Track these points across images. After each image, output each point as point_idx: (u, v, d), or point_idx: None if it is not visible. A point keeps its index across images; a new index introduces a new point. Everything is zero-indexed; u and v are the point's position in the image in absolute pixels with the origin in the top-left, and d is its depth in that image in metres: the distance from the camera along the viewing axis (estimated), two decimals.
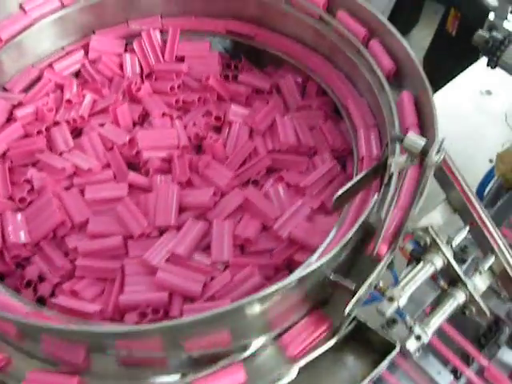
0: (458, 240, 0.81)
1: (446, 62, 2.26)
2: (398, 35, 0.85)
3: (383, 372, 0.80)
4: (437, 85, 1.84)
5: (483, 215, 0.81)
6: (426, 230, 0.77)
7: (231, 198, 0.85)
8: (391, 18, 2.91)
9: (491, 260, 0.81)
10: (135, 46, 1.07)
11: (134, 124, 0.99)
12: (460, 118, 1.57)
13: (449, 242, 0.80)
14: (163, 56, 1.06)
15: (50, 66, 1.06)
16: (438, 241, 0.76)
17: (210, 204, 0.85)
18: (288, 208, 0.83)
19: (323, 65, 1.00)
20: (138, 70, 1.06)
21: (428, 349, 0.85)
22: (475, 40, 0.93)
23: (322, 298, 0.57)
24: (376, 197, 0.50)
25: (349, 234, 0.51)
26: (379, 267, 0.52)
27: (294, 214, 0.81)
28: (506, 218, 1.06)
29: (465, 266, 0.87)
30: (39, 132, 0.97)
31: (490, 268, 0.83)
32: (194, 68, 1.06)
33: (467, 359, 0.90)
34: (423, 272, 0.75)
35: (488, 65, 0.93)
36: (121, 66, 1.07)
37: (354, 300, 0.49)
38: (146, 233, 0.81)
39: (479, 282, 0.82)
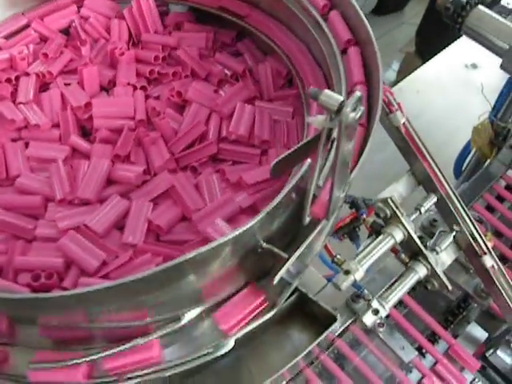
0: (426, 206, 0.78)
1: (437, 36, 2.21)
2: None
3: (345, 349, 0.79)
4: (428, 60, 1.81)
5: (447, 187, 0.78)
6: (385, 201, 0.74)
7: (159, 181, 0.81)
8: None
9: (452, 234, 0.79)
10: (125, 12, 1.03)
11: (104, 89, 0.96)
12: (445, 90, 1.54)
13: (417, 208, 0.78)
14: (154, 26, 1.03)
15: (41, 17, 1.02)
16: (398, 213, 0.74)
17: (137, 182, 0.81)
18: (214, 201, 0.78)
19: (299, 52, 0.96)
20: (125, 36, 1.02)
21: (395, 326, 0.83)
22: (438, 4, 0.89)
23: (261, 270, 0.55)
24: (309, 161, 0.47)
25: (277, 198, 0.48)
26: (312, 235, 0.49)
27: (216, 209, 0.75)
28: (480, 192, 1.04)
29: (432, 240, 0.85)
30: (8, 80, 0.94)
31: (456, 242, 0.81)
32: (184, 42, 1.01)
33: (434, 336, 0.89)
34: (382, 245, 0.73)
35: (452, 30, 0.89)
36: (109, 30, 1.03)
37: (283, 270, 0.47)
38: (67, 199, 0.79)
39: (443, 256, 0.80)
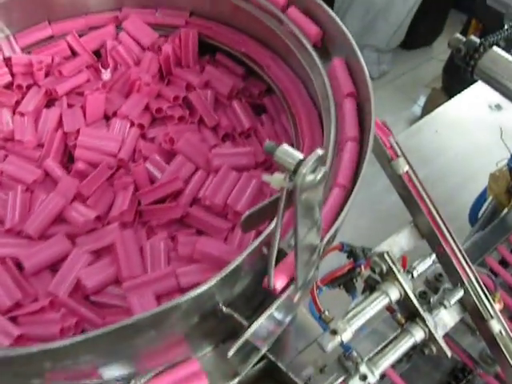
0: (420, 269, 0.72)
1: (464, 74, 2.13)
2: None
3: None
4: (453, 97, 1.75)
5: (452, 243, 0.71)
6: (381, 256, 0.68)
7: (106, 233, 0.73)
8: (412, 28, 2.84)
9: (460, 293, 0.72)
10: (164, 44, 0.96)
11: (108, 118, 0.91)
12: (465, 131, 1.48)
13: (410, 271, 0.72)
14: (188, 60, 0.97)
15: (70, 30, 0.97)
16: (394, 269, 0.67)
17: (84, 228, 0.74)
18: (151, 271, 0.69)
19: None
20: (154, 70, 0.95)
21: None
22: (450, 45, 0.83)
23: (228, 332, 0.49)
24: (276, 222, 0.41)
25: (235, 262, 0.43)
26: (275, 304, 0.43)
27: (151, 282, 0.66)
28: (494, 244, 0.96)
29: (436, 297, 0.78)
30: (19, 86, 0.91)
31: (461, 302, 0.74)
32: (210, 83, 0.94)
33: None
34: (375, 303, 0.66)
35: (464, 74, 0.82)
36: (139, 59, 0.97)
37: (241, 340, 0.41)
38: (15, 230, 0.74)
39: (446, 317, 0.73)
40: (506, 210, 1.06)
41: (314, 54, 0.79)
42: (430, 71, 2.87)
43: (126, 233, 0.73)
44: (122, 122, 0.88)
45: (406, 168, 0.69)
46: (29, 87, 0.92)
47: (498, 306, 0.77)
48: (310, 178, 0.31)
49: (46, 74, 0.94)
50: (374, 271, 0.69)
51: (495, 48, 0.78)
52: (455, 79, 2.32)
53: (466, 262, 0.72)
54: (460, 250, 0.72)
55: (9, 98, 0.90)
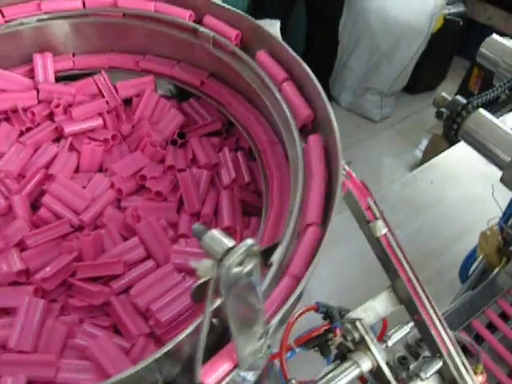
0: (395, 338, 0.68)
1: (448, 135, 2.13)
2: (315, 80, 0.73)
3: None
4: (454, 144, 1.72)
5: (432, 312, 0.67)
6: (354, 323, 0.64)
7: (14, 294, 0.68)
8: (416, 72, 2.84)
9: (438, 365, 0.68)
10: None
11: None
12: (461, 182, 1.45)
13: (384, 340, 0.68)
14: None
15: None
16: (367, 339, 0.64)
17: (5, 279, 0.70)
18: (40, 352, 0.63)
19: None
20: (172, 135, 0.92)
21: None
22: (435, 103, 0.80)
23: None
24: (203, 316, 0.36)
25: (117, 377, 0.38)
26: None
27: (25, 365, 0.61)
28: (482, 307, 0.93)
29: (415, 364, 0.74)
30: (32, 113, 0.89)
31: (440, 372, 0.70)
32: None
33: None
34: (345, 374, 0.63)
35: (447, 135, 0.80)
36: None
37: None
38: None
39: None
40: (496, 271, 1.02)
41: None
42: (432, 116, 2.84)
43: (34, 301, 0.67)
44: (102, 182, 0.83)
45: (385, 231, 0.66)
46: (47, 117, 0.91)
47: (480, 379, 0.73)
48: (236, 270, 0.28)
49: (64, 111, 0.91)
50: (345, 339, 0.65)
51: (481, 110, 0.76)
52: None
53: (446, 333, 0.68)
54: (440, 320, 0.68)
55: (20, 125, 0.89)
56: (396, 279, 0.68)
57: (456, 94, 2.37)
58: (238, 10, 0.90)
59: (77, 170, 0.86)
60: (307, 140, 0.71)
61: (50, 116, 0.91)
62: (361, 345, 0.64)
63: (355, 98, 2.98)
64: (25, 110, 0.90)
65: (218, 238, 0.30)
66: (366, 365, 0.63)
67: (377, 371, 0.64)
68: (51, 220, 0.76)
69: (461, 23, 2.70)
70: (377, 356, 0.63)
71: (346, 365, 0.63)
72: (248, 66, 0.85)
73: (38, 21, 0.92)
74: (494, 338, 0.90)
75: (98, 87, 0.95)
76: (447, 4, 2.69)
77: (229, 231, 0.77)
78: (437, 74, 3.01)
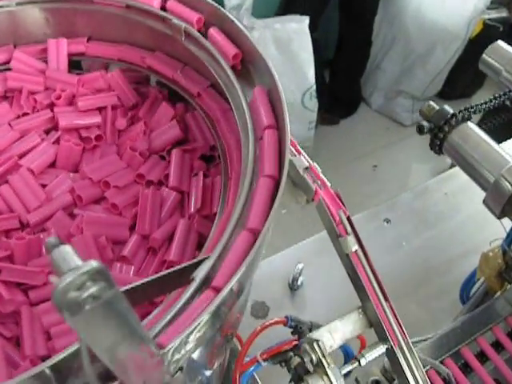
0: (369, 357, 0.63)
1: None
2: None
3: None
4: None
5: (401, 340, 0.62)
6: (311, 344, 0.60)
7: None
8: (451, 78, 2.73)
9: None
10: None
11: None
12: (475, 196, 1.37)
13: (357, 359, 0.63)
14: None
15: None
16: (324, 363, 0.59)
17: None
18: None
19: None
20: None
21: None
22: (421, 112, 0.74)
23: None
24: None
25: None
26: None
27: None
28: (474, 333, 0.86)
29: None
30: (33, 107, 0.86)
31: None
32: None
33: None
34: None
35: (431, 147, 0.73)
36: None
37: None
38: None
39: None
40: (497, 295, 0.96)
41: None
42: None
43: None
44: (63, 184, 0.78)
45: (355, 248, 0.61)
46: (48, 106, 0.86)
47: None
48: (73, 294, 0.24)
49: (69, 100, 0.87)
50: (303, 360, 0.61)
51: (469, 123, 0.70)
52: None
53: (415, 362, 0.63)
54: (410, 350, 0.63)
55: (18, 109, 0.86)
56: (365, 300, 0.63)
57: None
58: None
59: (55, 166, 0.82)
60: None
61: (52, 105, 0.87)
62: (319, 368, 0.60)
63: (386, 101, 2.91)
64: (31, 93, 0.86)
65: (67, 255, 0.26)
66: None
67: None
68: (4, 211, 0.73)
69: (501, 29, 2.58)
70: (333, 382, 0.58)
71: None
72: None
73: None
74: (484, 369, 0.84)
75: (107, 82, 0.90)
76: (488, 8, 2.58)
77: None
78: (473, 82, 2.89)
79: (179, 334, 0.37)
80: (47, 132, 0.86)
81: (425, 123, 0.71)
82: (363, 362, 0.62)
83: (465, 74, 2.77)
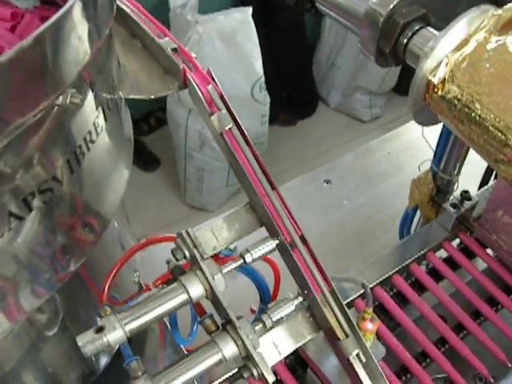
0: (256, 254, 0.53)
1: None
2: None
3: None
4: None
5: (294, 234, 0.53)
6: (181, 236, 0.50)
7: None
8: (404, 73, 2.69)
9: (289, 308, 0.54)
10: None
11: None
12: (422, 156, 1.30)
13: (242, 255, 0.53)
14: None
15: None
16: (196, 255, 0.50)
17: None
18: None
19: None
20: None
21: None
22: None
23: None
24: None
25: None
26: None
27: None
28: (406, 259, 0.77)
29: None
30: None
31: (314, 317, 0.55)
32: None
33: None
34: (166, 299, 0.49)
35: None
36: None
37: None
38: None
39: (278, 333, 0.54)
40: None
41: None
42: None
43: None
44: None
45: (230, 125, 0.52)
46: None
47: (370, 326, 0.58)
48: None
49: None
50: (176, 259, 0.51)
51: None
52: None
53: (315, 261, 0.53)
54: (304, 241, 0.53)
55: None
56: (251, 193, 0.54)
57: None
58: None
59: None
60: None
61: None
62: (194, 265, 0.50)
63: (344, 98, 2.86)
64: None
65: None
66: (195, 290, 0.49)
67: (212, 300, 0.50)
68: None
69: None
70: (209, 278, 0.49)
71: (169, 288, 0.49)
72: None
73: None
74: (418, 297, 0.75)
75: None
76: None
77: None
78: None
79: None
80: None
81: None
82: (248, 258, 0.52)
83: None
